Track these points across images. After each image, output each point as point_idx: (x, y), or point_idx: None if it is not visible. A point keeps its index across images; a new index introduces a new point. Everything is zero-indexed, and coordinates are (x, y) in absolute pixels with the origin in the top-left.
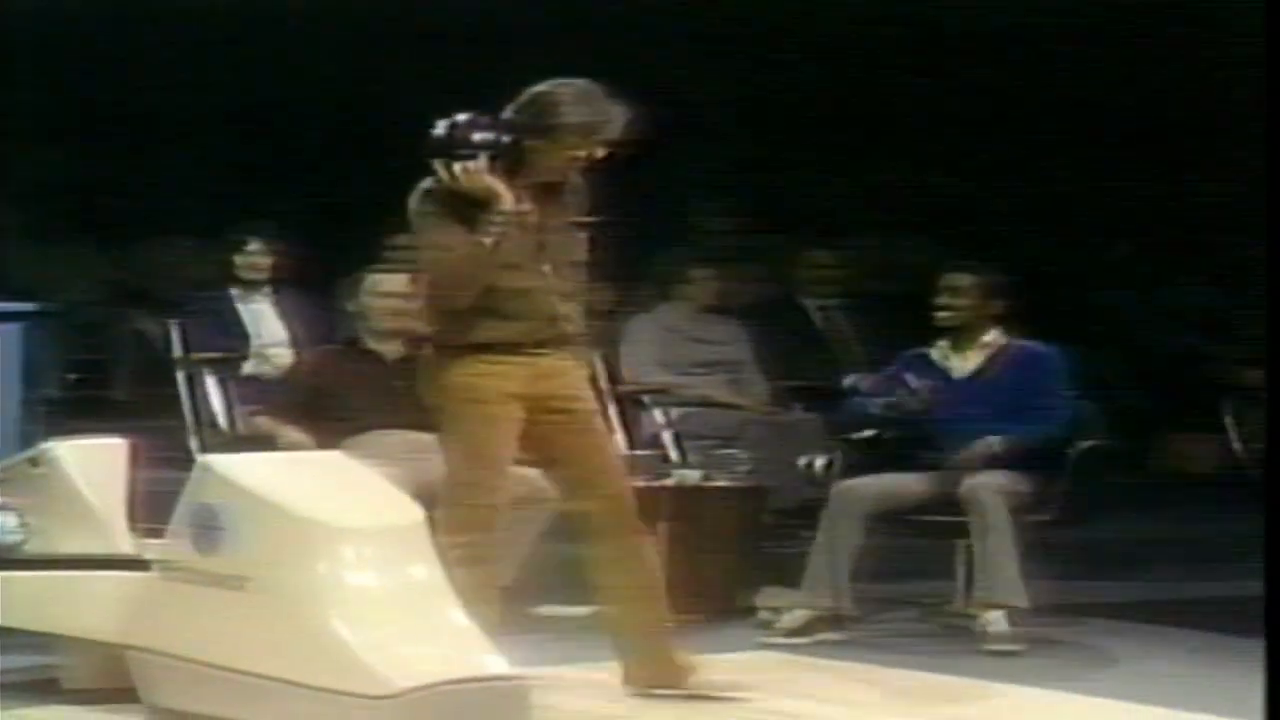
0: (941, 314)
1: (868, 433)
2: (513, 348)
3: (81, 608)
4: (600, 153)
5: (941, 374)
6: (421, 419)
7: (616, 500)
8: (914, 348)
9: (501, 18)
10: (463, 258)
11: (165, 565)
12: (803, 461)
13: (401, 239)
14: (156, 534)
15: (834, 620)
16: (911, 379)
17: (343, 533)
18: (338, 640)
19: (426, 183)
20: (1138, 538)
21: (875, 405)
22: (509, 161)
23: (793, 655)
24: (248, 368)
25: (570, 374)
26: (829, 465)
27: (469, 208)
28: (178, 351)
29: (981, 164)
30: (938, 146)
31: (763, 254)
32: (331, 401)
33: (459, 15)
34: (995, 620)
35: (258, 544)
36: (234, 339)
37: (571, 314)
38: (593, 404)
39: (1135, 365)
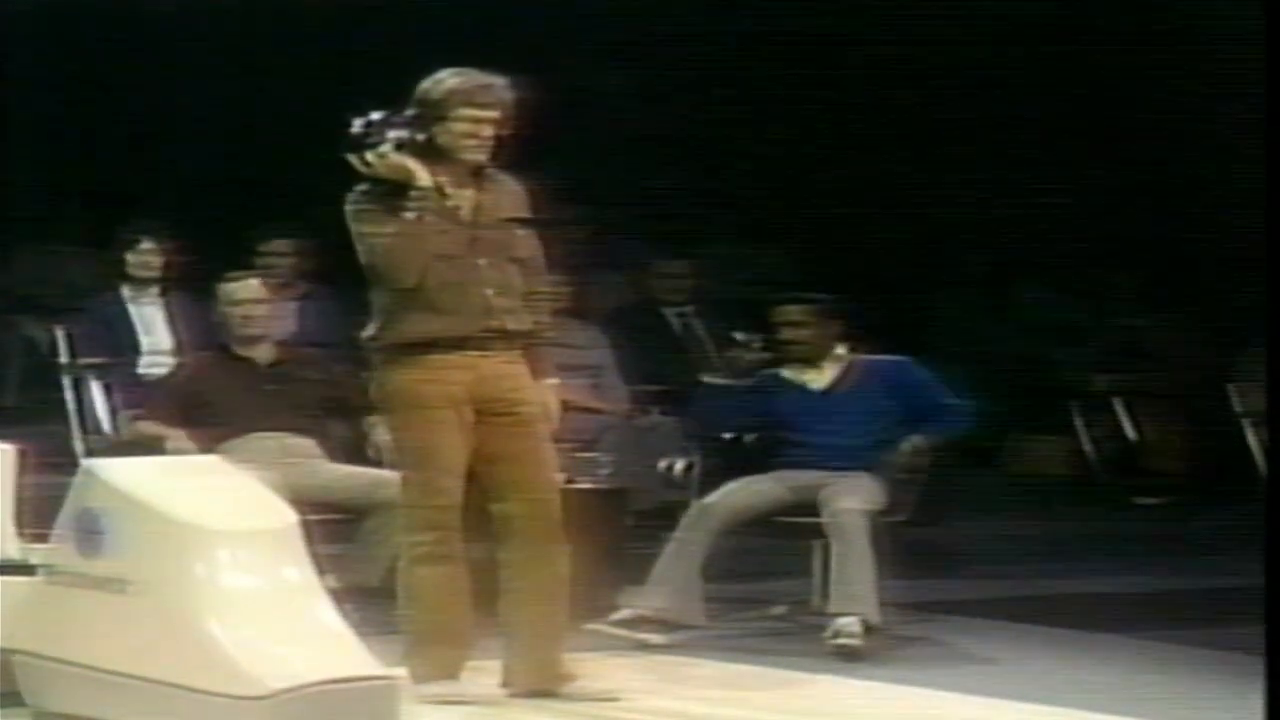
0: (785, 345)
1: (726, 436)
2: (454, 346)
3: None
4: (497, 129)
5: (798, 389)
6: (294, 423)
7: (543, 505)
8: (772, 364)
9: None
10: (392, 239)
11: (50, 569)
12: (662, 464)
13: (275, 244)
14: (42, 539)
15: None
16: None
17: (218, 536)
18: (213, 642)
19: (359, 186)
20: (989, 537)
21: (733, 416)
22: (419, 146)
23: (647, 655)
24: (140, 370)
25: (513, 377)
26: (688, 468)
27: (392, 195)
28: (63, 357)
29: (832, 172)
30: (790, 155)
31: (621, 262)
32: (209, 406)
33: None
34: (849, 623)
35: (137, 548)
36: (122, 343)
37: (511, 311)
38: (536, 408)
39: (985, 370)
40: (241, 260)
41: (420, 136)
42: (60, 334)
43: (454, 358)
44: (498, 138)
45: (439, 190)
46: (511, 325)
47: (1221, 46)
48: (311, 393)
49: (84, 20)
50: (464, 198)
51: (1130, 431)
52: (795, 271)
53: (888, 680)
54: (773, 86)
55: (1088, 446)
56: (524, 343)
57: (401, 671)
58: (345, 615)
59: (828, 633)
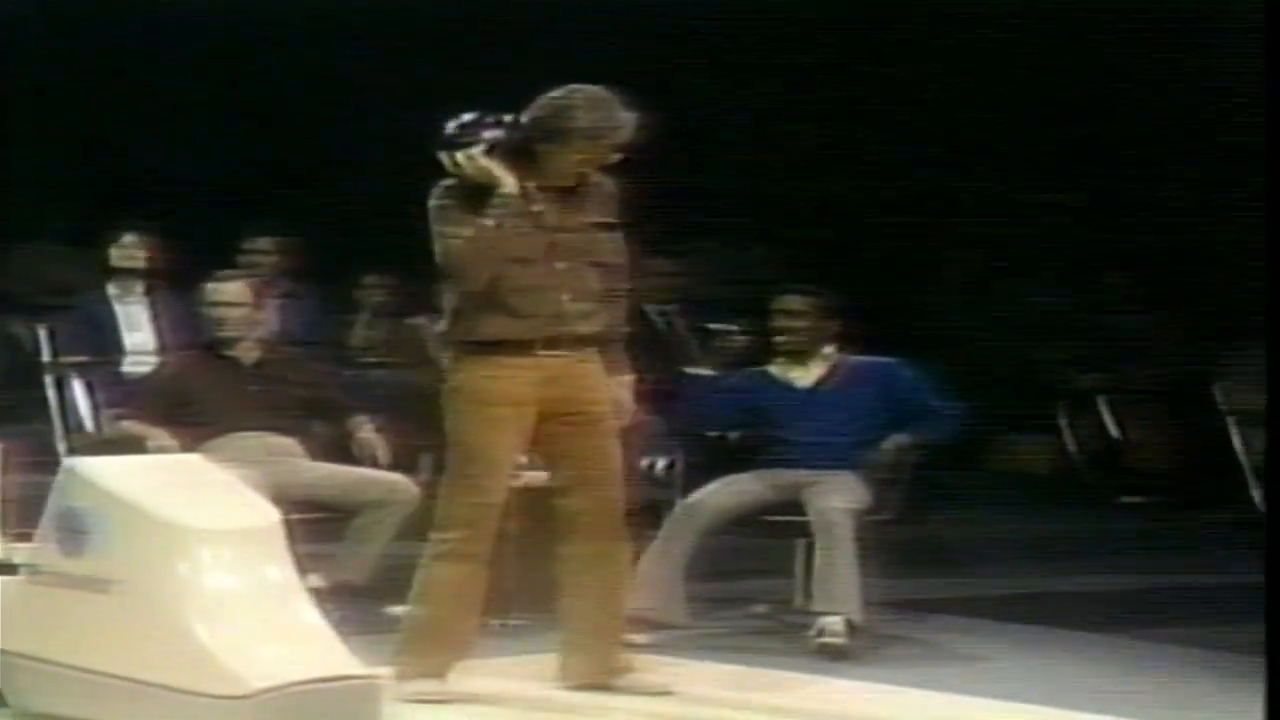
0: (778, 336)
1: (710, 434)
2: (522, 348)
3: None
4: (610, 158)
5: (784, 387)
6: (276, 422)
7: (608, 503)
8: (756, 362)
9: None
10: (468, 241)
11: (32, 569)
12: (645, 463)
13: (259, 243)
14: (25, 538)
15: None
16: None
17: (201, 535)
18: (195, 641)
19: (439, 184)
20: (974, 536)
21: (717, 413)
22: (511, 152)
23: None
24: (124, 369)
25: (583, 377)
26: (670, 466)
27: (476, 196)
28: (46, 355)
29: (818, 172)
30: (775, 154)
31: None
32: (192, 405)
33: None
34: (832, 622)
35: (120, 547)
36: (106, 342)
37: (586, 314)
38: (605, 406)
39: (970, 369)
40: (226, 258)
41: (512, 140)
42: (43, 332)
43: (521, 358)
44: (607, 162)
45: (524, 196)
46: (584, 329)
47: (1207, 46)
48: (294, 392)
49: (73, 17)
50: (551, 201)
51: (1114, 430)
52: (780, 271)
53: (871, 679)
54: (760, 85)
55: (1072, 445)
56: (598, 343)
57: (385, 671)
58: (328, 614)
59: (812, 632)
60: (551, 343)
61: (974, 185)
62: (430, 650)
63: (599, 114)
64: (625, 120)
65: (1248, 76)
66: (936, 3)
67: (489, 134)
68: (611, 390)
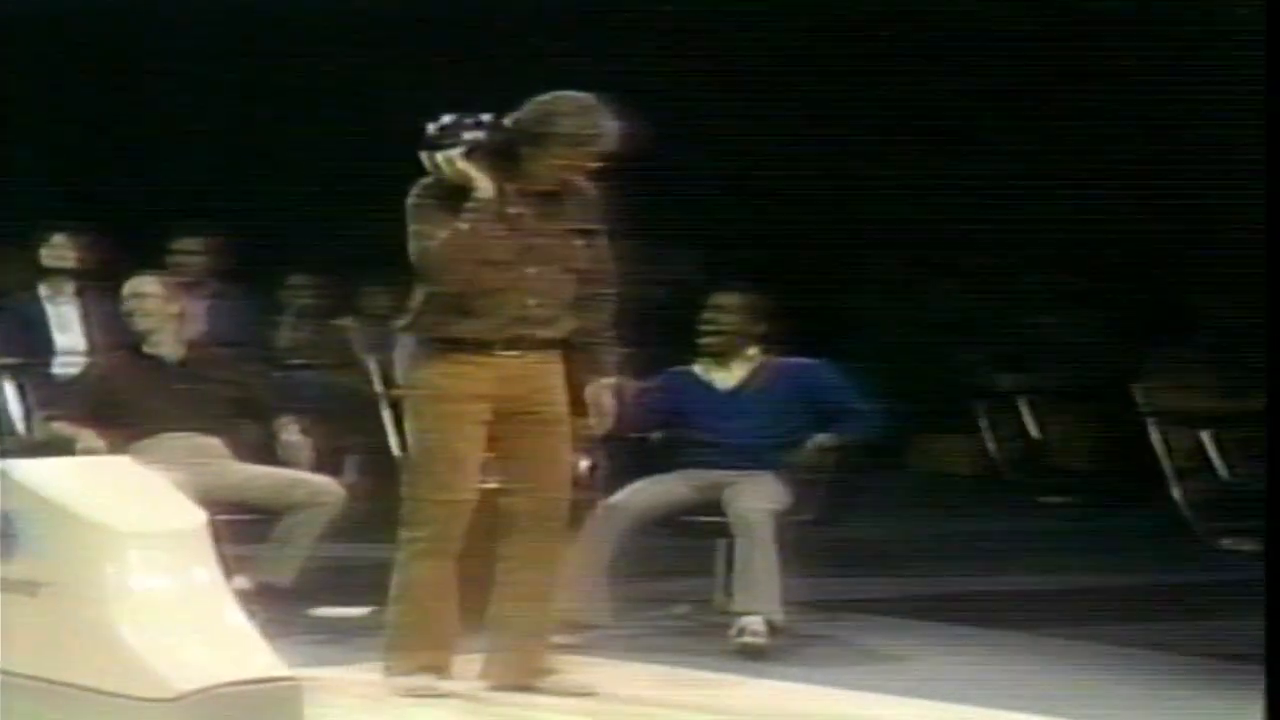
0: (705, 332)
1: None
2: (481, 347)
3: None
4: (591, 165)
5: (707, 388)
6: (203, 422)
7: (553, 505)
8: (678, 363)
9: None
10: (441, 242)
11: None
12: None
13: (186, 242)
14: None
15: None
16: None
17: (129, 537)
18: (122, 644)
19: (419, 182)
20: (895, 536)
21: (640, 414)
22: (490, 154)
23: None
24: (55, 370)
25: (541, 378)
26: (592, 468)
27: (454, 197)
28: None
29: (741, 172)
30: (700, 154)
31: None
32: (120, 406)
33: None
34: (753, 622)
35: (49, 549)
36: (36, 343)
37: (550, 319)
38: (560, 408)
39: (892, 370)
40: (157, 259)
41: (492, 143)
42: None
43: (481, 356)
44: (589, 169)
45: (499, 199)
46: (546, 333)
47: (1133, 49)
48: (220, 392)
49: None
50: (529, 205)
51: (1035, 431)
52: (704, 271)
53: (792, 679)
54: (690, 87)
55: (993, 445)
56: (561, 347)
57: (307, 673)
58: (253, 616)
59: (732, 631)
60: (511, 343)
61: (896, 187)
62: (416, 646)
63: (582, 120)
64: (609, 128)
65: (1171, 74)
66: (867, 7)
67: (469, 135)
68: (593, 393)
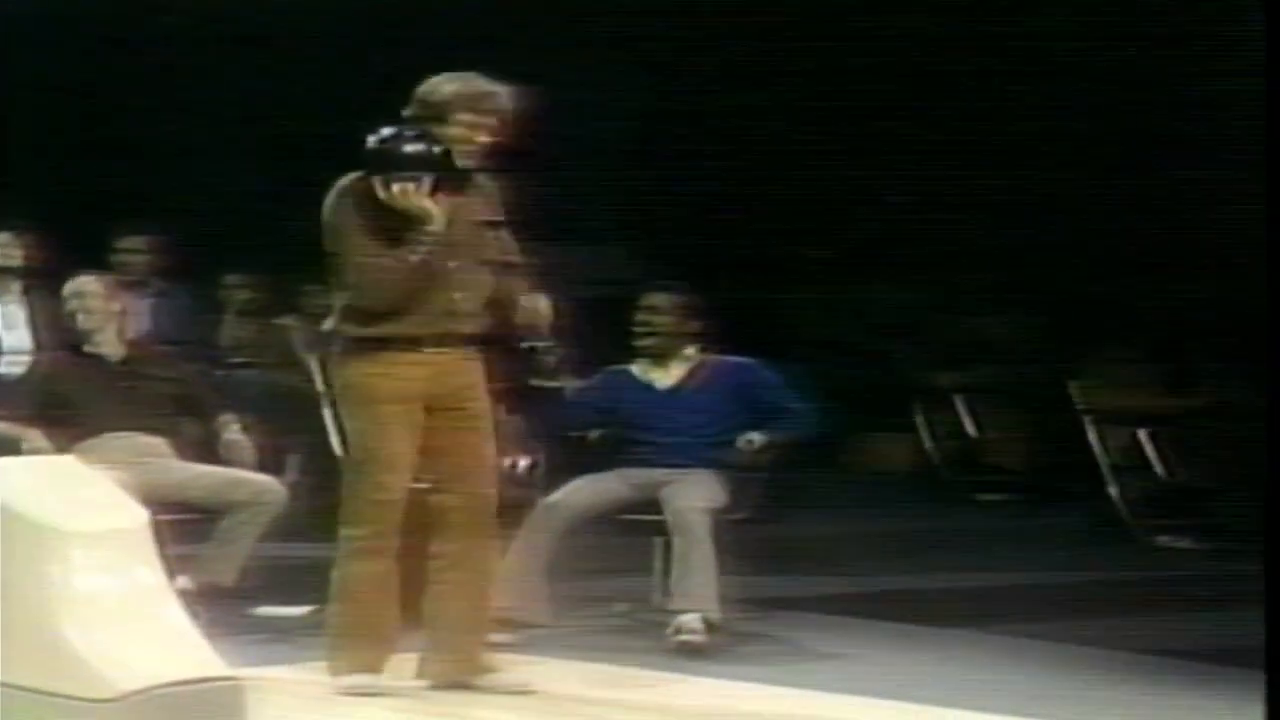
0: (641, 332)
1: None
2: (411, 344)
3: None
4: (490, 136)
5: (644, 387)
6: (145, 421)
7: (480, 500)
8: (616, 362)
9: None
10: (386, 270)
11: None
12: (507, 463)
13: (129, 241)
14: None
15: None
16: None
17: (72, 537)
18: (65, 644)
19: (343, 185)
20: (832, 534)
21: (579, 413)
22: (446, 185)
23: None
24: (1, 369)
25: (466, 374)
26: (533, 466)
27: (394, 222)
28: None
29: (678, 171)
30: (637, 154)
31: None
32: (63, 405)
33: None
34: (691, 620)
35: None
36: None
37: (474, 313)
38: (484, 404)
39: (829, 368)
40: (100, 258)
41: (436, 151)
42: None
43: (410, 354)
44: (489, 145)
45: (449, 227)
46: (471, 327)
47: (1075, 54)
48: (162, 391)
49: None
50: (442, 202)
51: (972, 428)
52: (642, 270)
53: (730, 677)
54: (624, 84)
55: (929, 443)
56: (483, 341)
57: (248, 672)
58: (194, 615)
59: (670, 629)
60: (440, 340)
61: (833, 185)
62: (356, 645)
63: (470, 84)
64: (498, 88)
65: (1104, 74)
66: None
67: (410, 149)
68: (529, 301)
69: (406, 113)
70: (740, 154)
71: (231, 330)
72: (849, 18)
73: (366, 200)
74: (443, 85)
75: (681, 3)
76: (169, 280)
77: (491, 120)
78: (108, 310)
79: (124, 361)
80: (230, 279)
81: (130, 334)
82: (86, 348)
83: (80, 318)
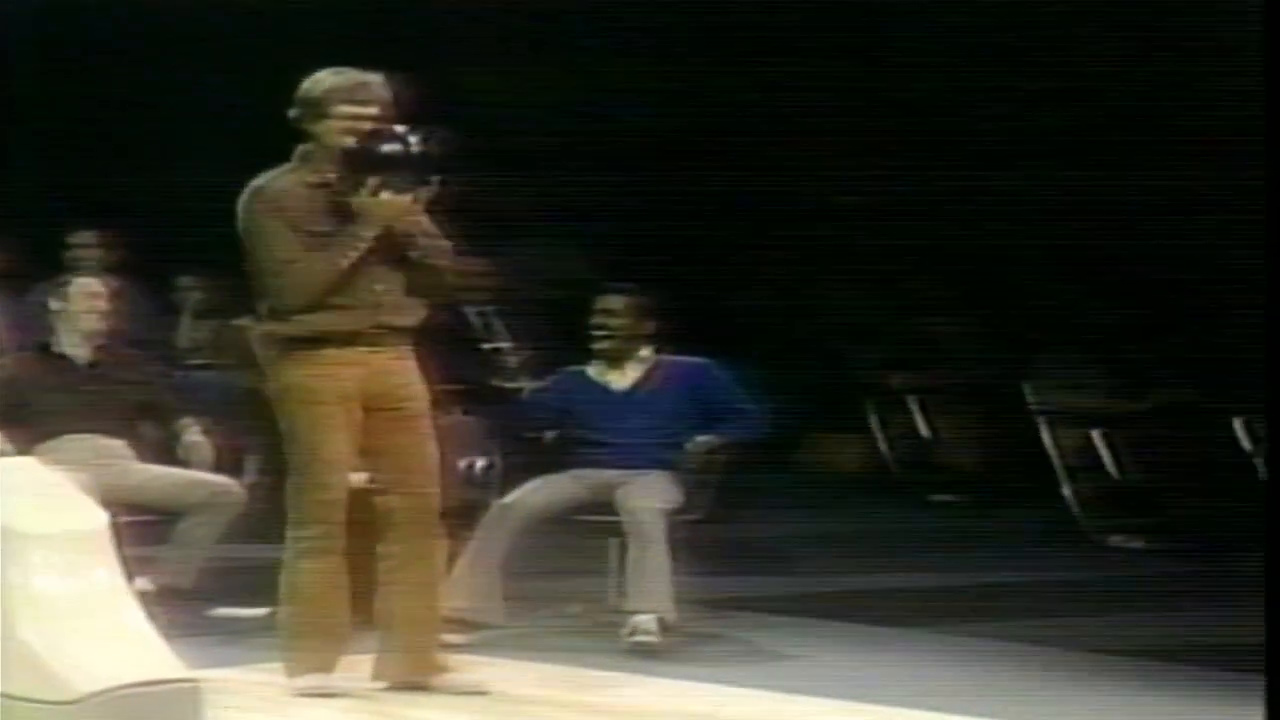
0: (596, 334)
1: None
2: (345, 342)
3: None
4: (370, 127)
5: (599, 388)
6: (108, 424)
7: (424, 500)
8: (571, 363)
9: None
10: (314, 274)
11: None
12: (463, 463)
13: (83, 236)
14: None
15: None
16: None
17: (31, 539)
18: (24, 646)
19: (257, 186)
20: (786, 534)
21: (534, 414)
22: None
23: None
24: None
25: (402, 373)
26: (489, 467)
27: (325, 223)
28: None
29: (633, 172)
30: (593, 155)
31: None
32: (28, 406)
33: None
34: (645, 621)
35: None
36: None
37: (401, 307)
38: (423, 403)
39: (783, 369)
40: (60, 257)
41: (414, 152)
42: None
43: (345, 353)
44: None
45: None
46: (399, 321)
47: (1027, 57)
48: (126, 393)
49: None
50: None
51: (925, 429)
52: (596, 271)
53: (685, 677)
54: (577, 83)
55: (883, 444)
56: (415, 337)
57: (206, 674)
58: (153, 617)
59: (625, 630)
60: (371, 337)
61: (786, 187)
62: (309, 645)
63: (346, 77)
64: (375, 78)
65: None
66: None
67: (387, 148)
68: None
69: (291, 112)
70: (694, 156)
71: (190, 332)
72: (802, 20)
73: (276, 197)
74: (320, 80)
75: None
76: (125, 281)
77: (372, 110)
78: (104, 311)
79: (92, 364)
80: (187, 280)
81: (101, 336)
82: (54, 349)
83: (75, 318)
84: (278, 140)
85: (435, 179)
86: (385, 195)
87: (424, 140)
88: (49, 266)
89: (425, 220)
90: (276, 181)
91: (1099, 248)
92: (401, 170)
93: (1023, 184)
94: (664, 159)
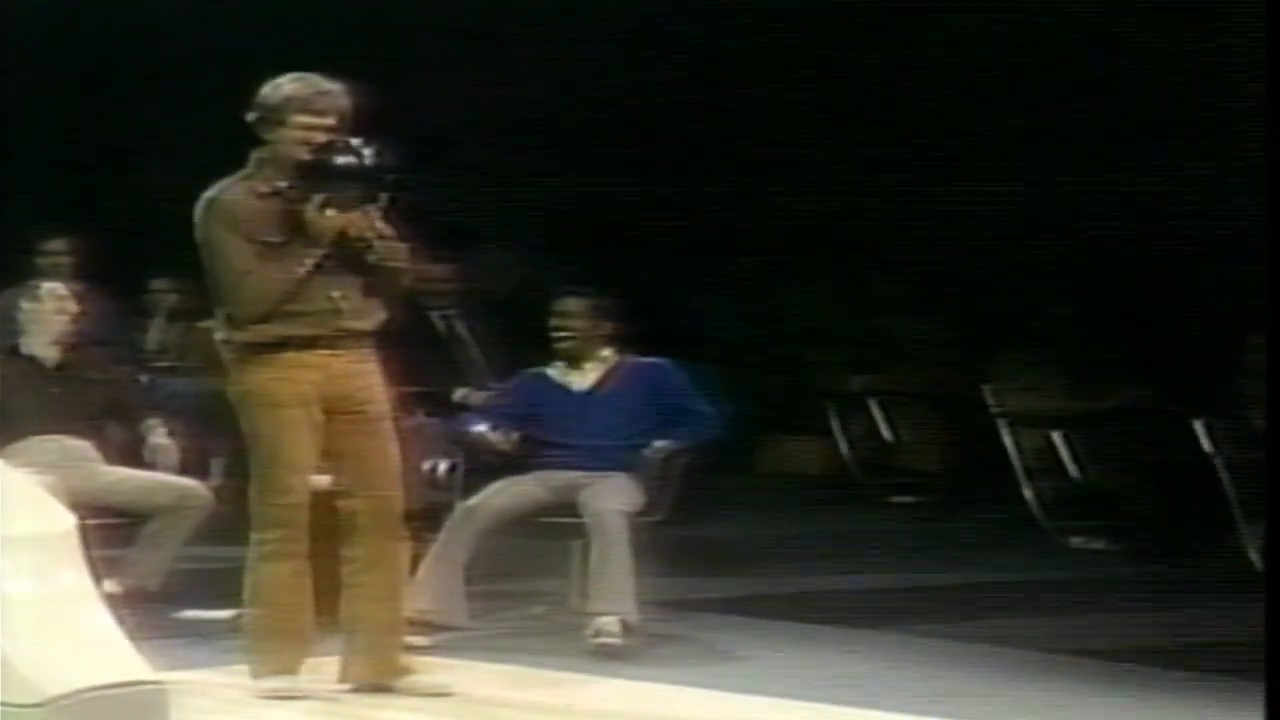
0: (556, 336)
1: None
2: (304, 346)
3: None
4: (326, 135)
5: (560, 390)
6: (76, 425)
7: (386, 503)
8: (533, 365)
9: None
10: (269, 285)
11: None
12: (426, 466)
13: (53, 243)
14: None
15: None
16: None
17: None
18: None
19: (210, 198)
20: (747, 536)
21: (497, 416)
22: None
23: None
24: None
25: (362, 376)
26: (452, 470)
27: (280, 234)
28: None
29: (595, 174)
30: (557, 158)
31: None
32: None
33: None
34: (608, 622)
35: None
36: None
37: (358, 311)
38: (385, 406)
39: (744, 371)
40: (31, 263)
41: (370, 165)
42: None
43: (305, 356)
44: (327, 136)
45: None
46: (358, 325)
47: (991, 57)
48: (93, 395)
49: None
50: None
51: (886, 432)
52: (558, 274)
53: (647, 678)
54: (537, 87)
55: (844, 447)
56: (377, 341)
57: (173, 676)
58: (120, 619)
59: (588, 631)
60: (330, 341)
61: (747, 189)
62: (273, 648)
63: (306, 84)
64: (334, 87)
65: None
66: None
67: (342, 160)
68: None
69: (249, 116)
70: (654, 159)
71: (157, 334)
72: (769, 23)
73: (233, 209)
74: (280, 87)
75: (600, 6)
76: (93, 284)
77: (329, 120)
78: (57, 314)
79: (59, 366)
80: (155, 283)
81: (69, 339)
82: (23, 350)
83: (42, 321)
84: (252, 143)
85: (387, 193)
86: (331, 212)
87: (378, 154)
88: (20, 272)
89: (381, 223)
90: (228, 192)
91: (1059, 250)
92: (354, 183)
93: (982, 187)
94: (625, 162)
